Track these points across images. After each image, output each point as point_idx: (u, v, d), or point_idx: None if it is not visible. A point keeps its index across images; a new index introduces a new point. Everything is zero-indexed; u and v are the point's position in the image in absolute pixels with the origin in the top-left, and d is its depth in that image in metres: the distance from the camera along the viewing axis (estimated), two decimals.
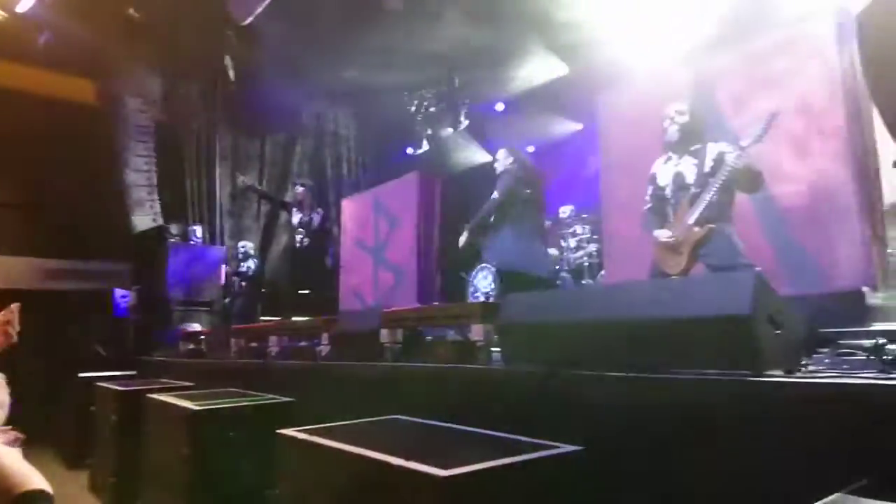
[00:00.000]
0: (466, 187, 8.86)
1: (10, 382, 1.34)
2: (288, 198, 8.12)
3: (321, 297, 7.85)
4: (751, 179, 3.49)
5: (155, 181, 9.58)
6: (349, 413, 2.47)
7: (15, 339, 1.53)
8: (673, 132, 3.75)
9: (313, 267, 7.86)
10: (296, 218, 7.84)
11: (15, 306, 1.53)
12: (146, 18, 8.95)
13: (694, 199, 3.50)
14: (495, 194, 5.58)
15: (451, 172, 9.23)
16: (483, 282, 7.15)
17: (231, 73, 9.39)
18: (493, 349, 3.08)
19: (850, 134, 3.59)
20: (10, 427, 2.05)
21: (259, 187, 9.24)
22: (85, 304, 8.45)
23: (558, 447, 1.74)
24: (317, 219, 7.81)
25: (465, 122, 9.31)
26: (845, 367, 1.82)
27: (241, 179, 9.03)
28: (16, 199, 8.98)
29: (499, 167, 5.71)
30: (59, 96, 9.51)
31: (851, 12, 3.69)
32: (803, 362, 1.82)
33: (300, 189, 7.98)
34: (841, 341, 2.02)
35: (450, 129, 9.68)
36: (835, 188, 3.61)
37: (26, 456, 1.97)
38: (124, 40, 9.27)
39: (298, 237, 7.80)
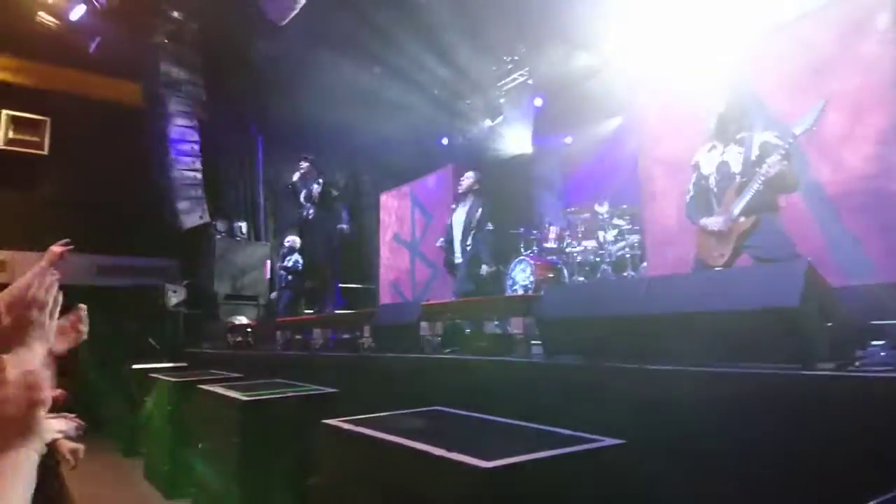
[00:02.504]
0: (502, 180, 8.82)
1: (68, 374, 1.43)
2: (295, 177, 8.17)
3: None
4: (784, 186, 3.37)
5: (201, 179, 9.88)
6: (391, 404, 2.52)
7: (84, 336, 1.64)
8: (714, 120, 3.66)
9: (327, 236, 7.97)
10: (301, 194, 7.97)
11: (82, 307, 1.63)
12: (189, 20, 9.22)
13: (740, 188, 3.40)
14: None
15: (488, 165, 9.20)
16: (521, 275, 7.12)
17: (269, 71, 9.58)
18: (532, 342, 3.09)
19: None
20: (74, 415, 2.17)
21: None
22: (138, 299, 8.81)
23: (600, 440, 1.73)
24: (317, 189, 7.90)
25: (501, 116, 9.27)
26: None
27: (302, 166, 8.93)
28: (73, 198, 9.40)
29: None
30: (110, 99, 9.91)
31: None
32: (856, 355, 1.76)
33: (304, 164, 8.06)
34: None
35: (487, 121, 9.64)
36: (887, 173, 3.45)
37: (85, 444, 2.07)
38: (169, 43, 9.59)
39: (305, 212, 7.92)
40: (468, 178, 6.09)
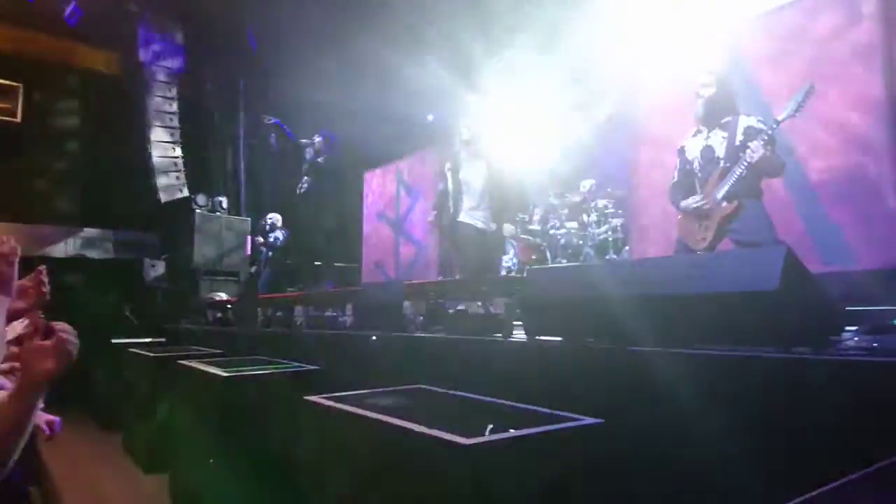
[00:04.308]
0: (488, 161, 8.76)
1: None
2: (306, 148, 8.20)
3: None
4: (767, 171, 3.40)
5: (180, 153, 9.70)
6: (372, 382, 2.52)
7: (48, 298, 1.62)
8: (698, 106, 3.67)
9: (317, 212, 7.98)
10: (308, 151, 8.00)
11: (42, 268, 1.61)
12: None
13: (723, 173, 3.43)
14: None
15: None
16: (504, 256, 7.14)
17: (253, 45, 9.39)
18: (515, 322, 3.10)
19: (888, 107, 3.45)
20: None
21: (283, 126, 9.00)
22: (117, 273, 8.68)
23: (579, 419, 1.76)
24: (309, 152, 7.92)
25: (488, 96, 9.18)
26: (875, 345, 1.79)
27: (267, 118, 8.88)
28: (49, 168, 9.19)
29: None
30: (86, 67, 9.63)
31: None
32: (832, 339, 1.80)
33: (318, 139, 8.04)
34: (872, 319, 1.99)
35: (475, 99, 9.55)
36: (870, 163, 3.50)
37: (63, 418, 2.04)
38: (147, 10, 9.32)
39: (300, 184, 7.94)
40: (469, 128, 5.25)
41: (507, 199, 5.15)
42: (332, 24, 8.32)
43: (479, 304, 3.68)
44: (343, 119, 9.45)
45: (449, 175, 5.17)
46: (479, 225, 4.94)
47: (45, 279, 1.57)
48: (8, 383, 2.12)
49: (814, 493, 0.87)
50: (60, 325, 1.27)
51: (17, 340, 2.20)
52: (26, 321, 2.18)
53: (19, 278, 1.29)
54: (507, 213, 4.99)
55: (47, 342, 1.23)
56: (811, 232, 3.61)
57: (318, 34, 8.39)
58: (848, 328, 2.00)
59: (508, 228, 4.94)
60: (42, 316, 2.24)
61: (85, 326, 1.39)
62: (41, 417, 2.01)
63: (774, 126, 3.27)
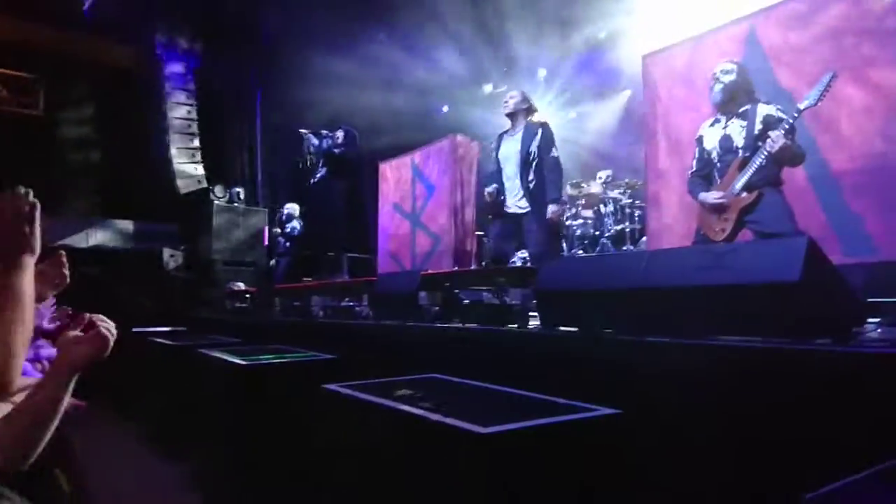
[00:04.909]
0: None
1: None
2: (324, 139, 8.24)
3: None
4: (788, 160, 3.34)
5: (198, 144, 9.80)
6: (388, 372, 2.54)
7: (67, 281, 1.67)
8: (717, 92, 3.60)
9: (332, 203, 8.00)
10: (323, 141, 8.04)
11: (62, 253, 1.66)
12: None
13: (743, 163, 3.38)
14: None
15: (489, 133, 9.10)
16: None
17: (267, 34, 9.43)
18: (530, 313, 3.10)
19: None
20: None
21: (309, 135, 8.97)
22: (136, 263, 8.81)
23: (596, 409, 1.75)
24: (326, 142, 7.88)
25: (505, 87, 9.15)
26: None
27: (305, 133, 8.83)
28: (70, 159, 9.33)
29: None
30: (106, 61, 9.75)
31: None
32: (854, 331, 1.77)
33: (340, 133, 8.05)
34: (894, 311, 1.96)
35: (489, 88, 9.52)
36: (892, 152, 3.43)
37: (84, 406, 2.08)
38: (164, 4, 9.39)
39: (315, 173, 7.97)
40: (514, 98, 4.83)
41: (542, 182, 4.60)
42: (347, 13, 8.31)
43: (489, 295, 3.69)
44: (358, 109, 9.46)
45: (493, 154, 4.82)
46: (514, 208, 4.60)
47: (65, 263, 1.61)
48: (35, 372, 2.18)
49: (836, 485, 0.86)
50: (99, 317, 1.31)
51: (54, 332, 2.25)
52: (50, 303, 2.23)
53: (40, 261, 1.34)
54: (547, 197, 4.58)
55: (85, 333, 1.27)
56: (832, 223, 3.55)
57: (333, 23, 8.38)
58: (870, 320, 1.97)
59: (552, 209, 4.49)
60: (65, 306, 2.28)
61: (105, 314, 1.43)
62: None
63: (796, 115, 3.20)
